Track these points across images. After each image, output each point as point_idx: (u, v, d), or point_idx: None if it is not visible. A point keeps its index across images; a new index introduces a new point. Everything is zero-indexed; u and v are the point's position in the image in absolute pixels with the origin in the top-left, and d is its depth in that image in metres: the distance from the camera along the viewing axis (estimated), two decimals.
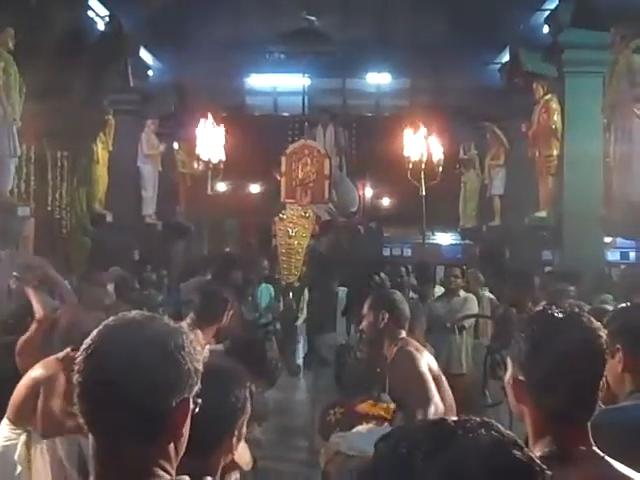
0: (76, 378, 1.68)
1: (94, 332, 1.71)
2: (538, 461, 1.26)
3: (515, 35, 14.91)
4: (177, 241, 16.77)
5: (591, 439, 2.06)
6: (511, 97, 15.54)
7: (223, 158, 12.91)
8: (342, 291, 9.74)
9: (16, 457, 4.85)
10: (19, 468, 4.81)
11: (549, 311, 2.16)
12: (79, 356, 1.69)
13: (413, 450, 1.22)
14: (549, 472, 1.26)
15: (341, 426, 5.99)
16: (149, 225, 16.39)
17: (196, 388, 1.72)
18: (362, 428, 5.45)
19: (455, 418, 1.29)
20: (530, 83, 13.54)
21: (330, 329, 9.41)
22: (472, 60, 17.48)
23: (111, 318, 1.75)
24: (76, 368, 1.68)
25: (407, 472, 1.21)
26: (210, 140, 12.76)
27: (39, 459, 5.13)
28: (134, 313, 1.77)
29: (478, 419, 1.29)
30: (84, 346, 1.69)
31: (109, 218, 14.34)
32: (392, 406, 5.65)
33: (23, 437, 5.03)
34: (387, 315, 4.93)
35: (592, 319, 2.15)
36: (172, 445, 1.70)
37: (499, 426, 1.28)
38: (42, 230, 11.11)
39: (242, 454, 2.85)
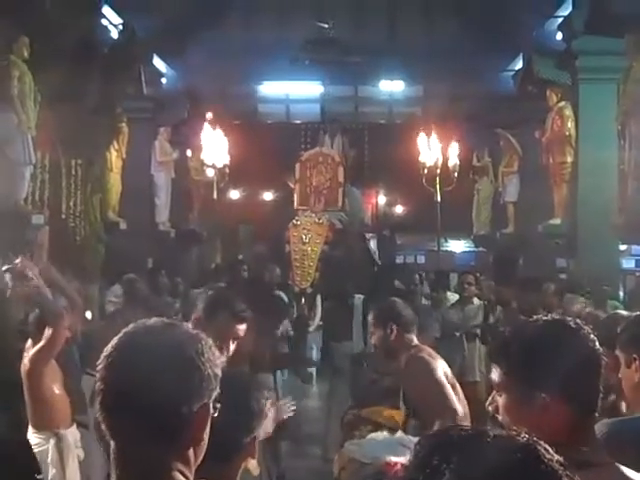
0: (97, 385, 1.70)
1: (114, 339, 1.74)
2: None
3: (528, 42, 14.88)
4: (190, 248, 16.80)
5: (598, 443, 2.06)
6: (524, 104, 15.50)
7: (227, 162, 12.93)
8: (358, 299, 9.69)
9: (49, 460, 4.88)
10: (53, 471, 4.83)
11: (551, 319, 2.16)
12: (100, 363, 1.71)
13: (445, 462, 1.20)
14: None
15: (349, 427, 6.06)
16: (162, 232, 16.41)
17: (215, 393, 1.74)
18: (376, 435, 5.44)
19: (491, 430, 1.26)
20: (543, 90, 13.51)
21: (347, 337, 9.38)
22: (485, 67, 17.47)
23: (131, 325, 1.76)
24: (97, 376, 1.71)
25: None
26: (214, 144, 12.81)
27: (70, 459, 5.17)
28: (153, 320, 1.79)
29: (515, 434, 1.26)
30: (105, 353, 1.72)
31: (123, 226, 14.37)
32: (397, 414, 5.67)
33: (53, 440, 5.06)
34: (395, 326, 4.92)
35: (584, 326, 2.14)
36: (192, 450, 1.72)
37: (538, 443, 1.25)
38: (56, 238, 11.13)
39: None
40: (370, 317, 5.14)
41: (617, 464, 2.02)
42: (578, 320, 2.17)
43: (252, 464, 2.56)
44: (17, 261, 4.99)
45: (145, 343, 1.71)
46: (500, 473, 1.18)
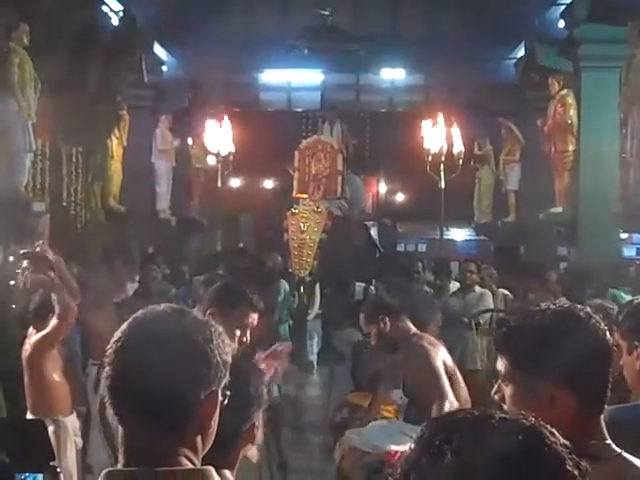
0: (106, 370, 1.70)
1: (124, 325, 1.73)
2: (582, 464, 1.23)
3: (530, 30, 14.83)
4: (191, 236, 16.79)
5: (606, 434, 2.04)
6: (526, 92, 15.48)
7: (232, 150, 12.88)
8: (359, 286, 9.71)
9: None
10: None
11: (559, 309, 2.12)
12: (109, 348, 1.70)
13: (447, 443, 1.20)
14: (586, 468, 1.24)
15: (336, 412, 6.09)
16: (163, 220, 16.43)
17: (224, 381, 1.73)
18: (376, 424, 5.44)
19: (496, 413, 1.26)
20: (546, 78, 13.47)
21: (348, 325, 9.40)
22: (487, 55, 17.41)
23: (140, 311, 1.76)
24: (106, 360, 1.70)
25: (439, 466, 1.19)
26: (219, 133, 12.76)
27: (69, 447, 5.17)
28: (163, 306, 1.79)
29: (520, 417, 1.26)
30: (114, 338, 1.71)
31: (124, 213, 14.37)
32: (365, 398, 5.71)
33: (51, 427, 5.06)
34: (387, 318, 4.92)
35: (593, 315, 2.11)
36: (199, 437, 1.72)
37: (543, 425, 1.25)
38: (57, 226, 11.13)
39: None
40: (361, 318, 5.15)
41: (625, 455, 1.99)
42: (588, 309, 2.14)
43: (252, 451, 2.55)
44: (38, 243, 4.97)
45: (154, 329, 1.71)
46: (502, 454, 1.18)
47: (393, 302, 5.06)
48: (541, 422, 1.25)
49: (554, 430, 1.25)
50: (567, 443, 1.24)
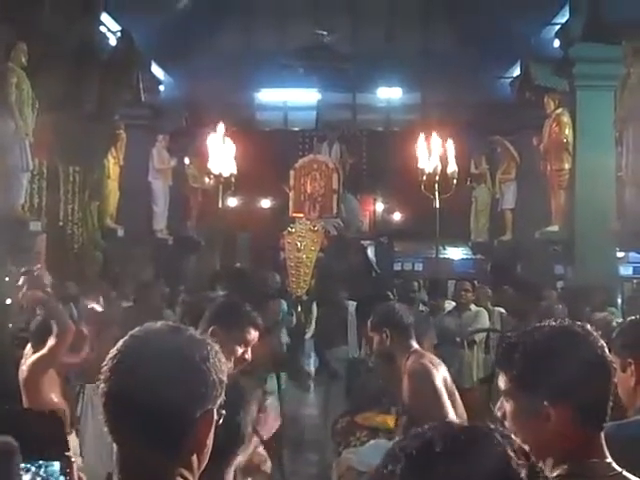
0: (102, 388, 1.69)
1: (120, 342, 1.73)
2: (538, 466, 1.25)
3: (526, 49, 14.90)
4: (188, 256, 16.77)
5: (607, 453, 2.03)
6: (522, 111, 15.52)
7: (234, 172, 12.90)
8: (352, 305, 9.72)
9: None
10: None
11: (558, 326, 2.12)
12: (105, 365, 1.70)
13: (403, 450, 1.23)
14: None
15: (343, 435, 6.03)
16: (160, 240, 16.40)
17: (220, 399, 1.73)
18: (374, 443, 5.43)
19: (469, 424, 1.28)
20: (541, 97, 13.51)
21: (341, 342, 9.40)
22: (483, 74, 17.49)
23: (137, 329, 1.76)
24: (102, 377, 1.70)
25: (395, 472, 1.22)
26: (221, 154, 12.75)
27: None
28: (160, 324, 1.78)
29: (492, 427, 1.27)
30: (110, 356, 1.71)
31: (120, 233, 14.35)
32: (390, 419, 5.66)
33: None
34: (389, 330, 4.90)
35: (593, 332, 2.11)
36: (195, 456, 1.71)
37: (496, 429, 1.27)
38: (54, 245, 11.12)
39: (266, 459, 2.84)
40: (369, 323, 5.13)
41: (625, 474, 1.99)
42: (587, 326, 2.15)
43: (266, 465, 2.50)
44: (37, 267, 4.98)
45: (150, 347, 1.70)
46: (451, 455, 1.21)
47: (402, 319, 5.01)
48: (498, 427, 1.28)
49: (510, 434, 1.27)
50: (523, 445, 1.26)
